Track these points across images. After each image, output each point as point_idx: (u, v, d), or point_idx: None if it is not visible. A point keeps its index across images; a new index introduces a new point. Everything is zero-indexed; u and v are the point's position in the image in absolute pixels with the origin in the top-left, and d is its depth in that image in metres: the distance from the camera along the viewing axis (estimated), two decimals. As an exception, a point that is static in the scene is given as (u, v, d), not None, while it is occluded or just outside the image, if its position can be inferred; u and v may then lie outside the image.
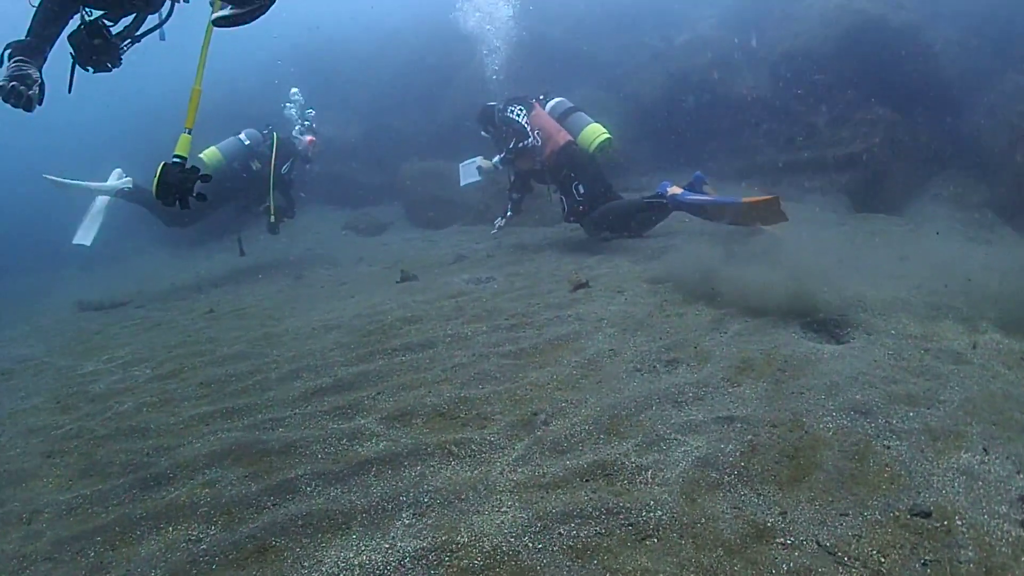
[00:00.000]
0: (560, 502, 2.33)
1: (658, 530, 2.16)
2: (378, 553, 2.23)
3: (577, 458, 2.63)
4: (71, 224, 8.26)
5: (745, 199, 4.85)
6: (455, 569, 2.08)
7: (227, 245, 10.46)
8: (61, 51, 3.46)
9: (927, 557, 1.98)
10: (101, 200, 8.02)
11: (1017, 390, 2.96)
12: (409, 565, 2.13)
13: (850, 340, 3.53)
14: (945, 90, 8.34)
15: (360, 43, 13.66)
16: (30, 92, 3.05)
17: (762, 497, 2.30)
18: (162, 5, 3.67)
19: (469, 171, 7.33)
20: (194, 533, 2.52)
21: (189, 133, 3.18)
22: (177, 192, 3.10)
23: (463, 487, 2.52)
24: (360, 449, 2.95)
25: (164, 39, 3.82)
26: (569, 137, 6.72)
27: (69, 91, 3.43)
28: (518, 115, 6.82)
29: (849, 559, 1.99)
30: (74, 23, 3.39)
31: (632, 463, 2.55)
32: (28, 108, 3.08)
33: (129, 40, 3.56)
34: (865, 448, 2.53)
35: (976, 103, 8.17)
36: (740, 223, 5.30)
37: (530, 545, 2.14)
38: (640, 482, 2.43)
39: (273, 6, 3.07)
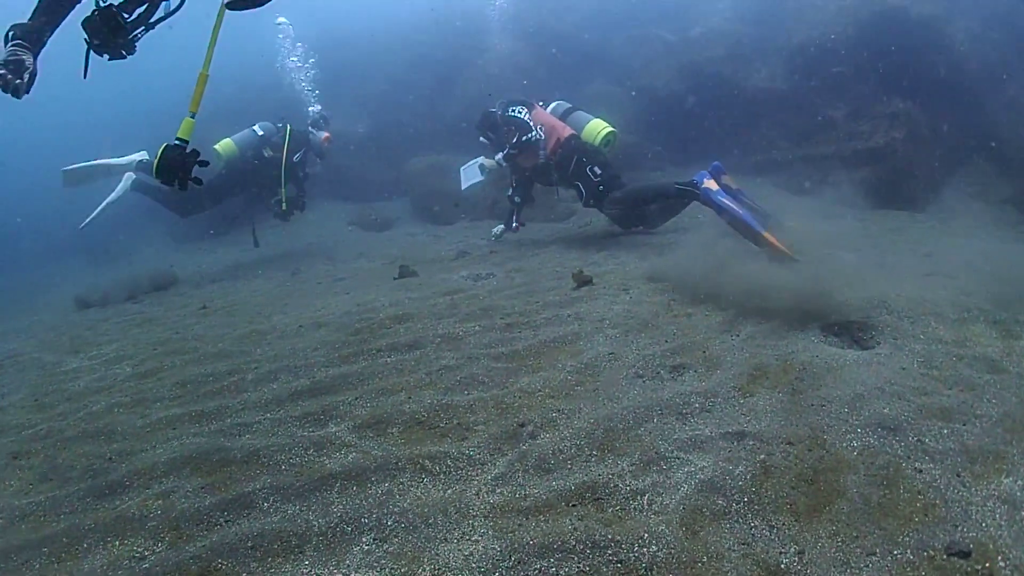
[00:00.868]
0: (540, 531, 2.03)
1: (652, 570, 1.84)
2: (328, 585, 1.94)
3: (564, 478, 2.32)
4: (79, 218, 8.21)
5: (767, 234, 4.47)
6: (412, 610, 1.79)
7: (229, 240, 10.34)
8: (76, 43, 3.42)
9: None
10: (119, 189, 7.95)
11: (1062, 403, 2.61)
12: (360, 602, 1.84)
13: (875, 345, 3.18)
14: (966, 83, 8.01)
15: (369, 38, 13.44)
16: (18, 81, 3.03)
17: (775, 531, 1.98)
18: None
19: (471, 173, 7.12)
20: (139, 550, 2.31)
21: (193, 117, 3.23)
22: (176, 173, 3.16)
23: (432, 509, 2.22)
24: (326, 461, 2.67)
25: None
26: (572, 131, 6.63)
27: (84, 76, 3.43)
28: (519, 113, 6.73)
29: (878, 612, 1.67)
30: (88, 8, 3.36)
31: (627, 486, 2.23)
32: (16, 95, 3.07)
33: (143, 28, 3.52)
34: (895, 472, 2.20)
35: (998, 97, 7.88)
36: (749, 240, 4.94)
37: (500, 583, 1.84)
38: (634, 509, 2.11)
39: None
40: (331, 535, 2.20)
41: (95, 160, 7.84)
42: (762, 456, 2.34)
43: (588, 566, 1.87)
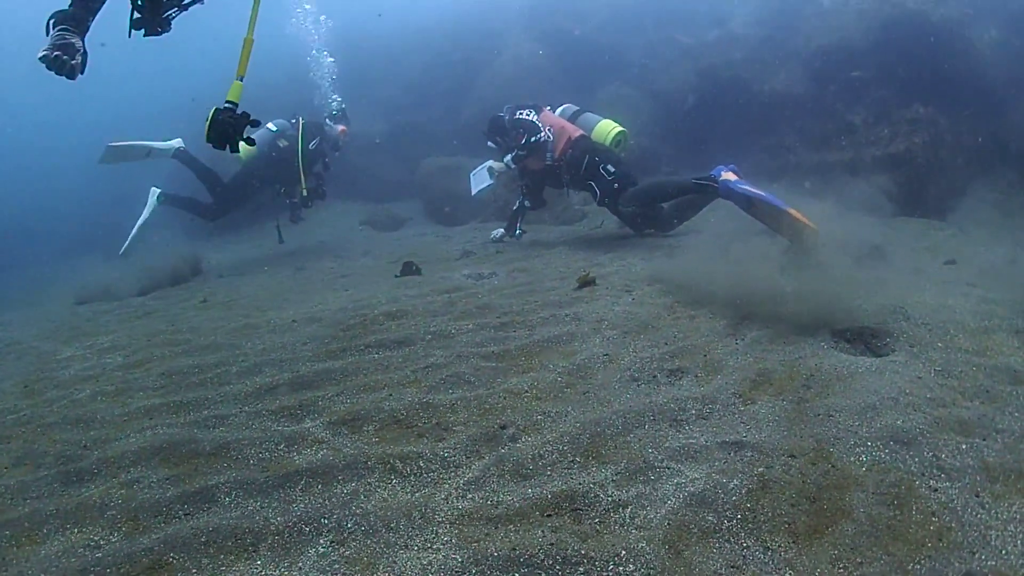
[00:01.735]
0: (508, 543, 1.85)
1: (625, 590, 1.66)
2: (277, 588, 1.79)
3: (542, 486, 2.14)
4: (94, 216, 8.35)
5: (792, 210, 4.38)
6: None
7: (238, 237, 10.33)
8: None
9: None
10: (146, 211, 8.15)
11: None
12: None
13: (889, 353, 2.95)
14: (988, 89, 7.71)
15: (387, 39, 13.44)
16: (73, 61, 3.06)
17: (770, 553, 1.78)
18: None
19: (480, 177, 6.99)
20: (95, 538, 2.24)
21: (241, 80, 3.25)
22: (227, 135, 3.15)
23: (396, 513, 2.06)
24: (295, 457, 2.53)
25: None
26: (582, 132, 6.50)
27: (129, 36, 3.53)
28: (528, 115, 6.62)
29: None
30: None
31: (608, 496, 2.05)
32: (71, 76, 3.09)
33: (176, 7, 3.57)
34: (907, 490, 1.99)
35: (1020, 102, 7.55)
36: (773, 229, 4.79)
37: (458, 597, 1.67)
38: (615, 522, 1.93)
39: None
40: (288, 535, 2.06)
41: (139, 141, 8.03)
42: (760, 469, 2.14)
43: (556, 583, 1.69)
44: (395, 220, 10.40)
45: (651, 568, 1.73)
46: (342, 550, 1.94)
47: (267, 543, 2.04)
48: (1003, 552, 1.74)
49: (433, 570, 1.77)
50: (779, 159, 8.08)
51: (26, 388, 4.06)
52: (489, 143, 6.95)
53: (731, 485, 2.06)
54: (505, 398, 2.80)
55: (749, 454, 2.23)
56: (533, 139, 6.39)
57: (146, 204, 8.10)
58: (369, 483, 2.27)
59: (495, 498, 2.09)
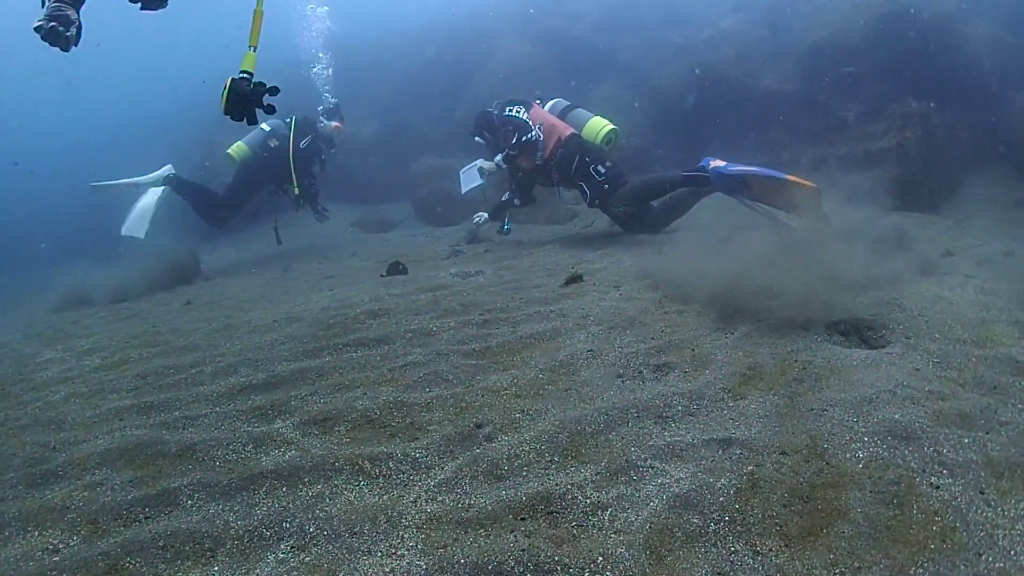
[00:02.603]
0: (476, 548, 1.72)
1: (601, 598, 1.53)
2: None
3: (516, 487, 2.01)
4: (94, 219, 8.24)
5: (790, 176, 4.45)
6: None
7: (228, 240, 10.19)
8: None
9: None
10: (152, 192, 7.98)
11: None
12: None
13: (886, 344, 2.83)
14: (982, 84, 7.65)
15: (379, 42, 13.35)
16: (68, 33, 3.06)
17: (760, 558, 1.65)
18: None
19: (470, 176, 6.84)
20: (54, 542, 2.14)
21: (254, 50, 3.22)
22: (244, 105, 3.11)
23: (361, 516, 1.93)
24: (262, 459, 2.40)
25: None
26: (573, 130, 6.33)
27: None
28: (517, 113, 6.43)
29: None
30: None
31: (587, 498, 1.92)
32: (65, 48, 3.09)
33: None
34: (907, 488, 1.87)
35: (1014, 98, 7.49)
36: (778, 206, 4.74)
37: (420, 607, 1.54)
38: (592, 526, 1.80)
39: None
40: (248, 539, 1.93)
41: (120, 180, 7.97)
42: (750, 467, 2.02)
43: (526, 591, 1.56)
44: (386, 222, 10.29)
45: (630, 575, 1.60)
46: (302, 556, 1.81)
47: (226, 548, 1.91)
48: (1012, 553, 1.62)
49: (395, 578, 1.64)
50: (772, 155, 7.99)
51: (2, 390, 3.98)
52: (476, 138, 6.80)
53: (718, 485, 1.94)
54: (483, 396, 2.67)
55: (738, 452, 2.11)
56: (524, 138, 6.23)
57: (154, 175, 8.02)
58: (335, 485, 2.14)
59: (466, 500, 1.96)
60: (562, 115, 6.51)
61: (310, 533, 1.90)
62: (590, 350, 3.01)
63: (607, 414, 2.39)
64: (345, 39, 13.31)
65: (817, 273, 3.21)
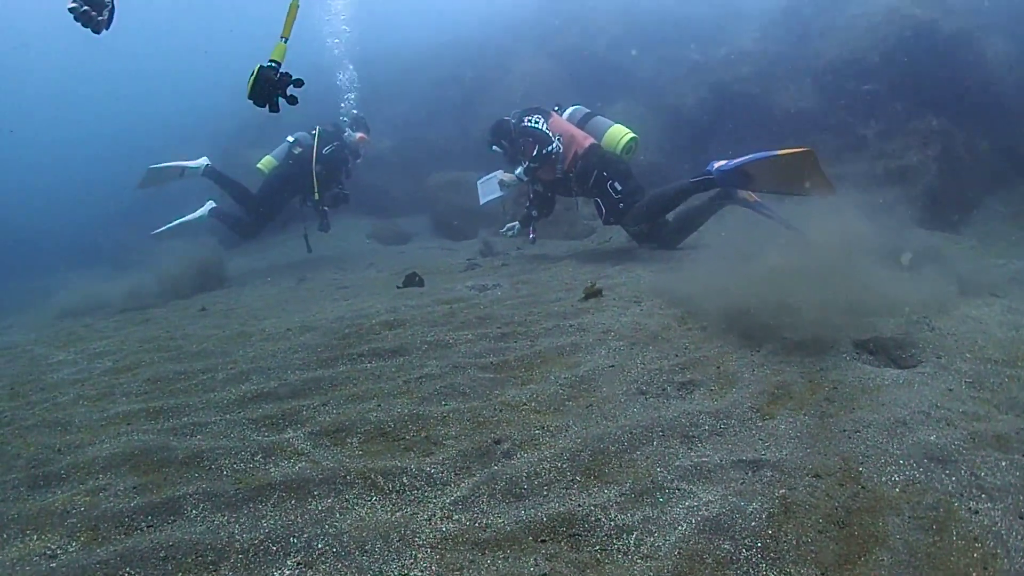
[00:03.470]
0: (494, 572, 1.64)
1: (626, 626, 1.43)
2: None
3: (537, 507, 1.92)
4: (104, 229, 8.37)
5: (779, 151, 4.61)
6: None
7: (244, 250, 10.23)
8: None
9: None
10: (197, 213, 8.33)
11: None
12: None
13: (916, 364, 2.72)
14: (1001, 101, 7.54)
15: (396, 56, 13.47)
16: (100, 17, 3.12)
17: (793, 585, 1.55)
18: None
19: (490, 187, 6.67)
20: (53, 547, 2.09)
21: (285, 42, 3.29)
22: (269, 92, 3.16)
23: (373, 534, 1.85)
24: (272, 469, 2.33)
25: None
26: (593, 140, 6.19)
27: None
28: (536, 123, 6.29)
29: None
30: None
31: (611, 521, 1.82)
32: (96, 31, 3.16)
33: None
34: (946, 513, 1.77)
35: None
36: (785, 190, 4.89)
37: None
38: (617, 550, 1.71)
39: None
40: (252, 554, 1.85)
41: (173, 162, 8.23)
42: (782, 491, 1.92)
43: (546, 618, 1.47)
44: (402, 234, 10.29)
45: (657, 602, 1.50)
46: (310, 573, 1.73)
47: (229, 562, 1.83)
48: (1063, 589, 1.51)
49: (408, 599, 1.55)
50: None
51: (12, 390, 3.96)
52: (494, 147, 6.68)
53: (750, 509, 1.84)
54: (501, 411, 2.59)
55: (769, 474, 2.01)
56: (545, 151, 6.09)
57: (197, 210, 8.30)
58: (347, 500, 2.06)
59: (483, 520, 1.88)
60: (581, 123, 6.38)
61: (318, 549, 1.83)
62: (612, 366, 2.93)
63: (631, 432, 2.30)
64: (366, 52, 13.49)
65: (842, 292, 3.12)
